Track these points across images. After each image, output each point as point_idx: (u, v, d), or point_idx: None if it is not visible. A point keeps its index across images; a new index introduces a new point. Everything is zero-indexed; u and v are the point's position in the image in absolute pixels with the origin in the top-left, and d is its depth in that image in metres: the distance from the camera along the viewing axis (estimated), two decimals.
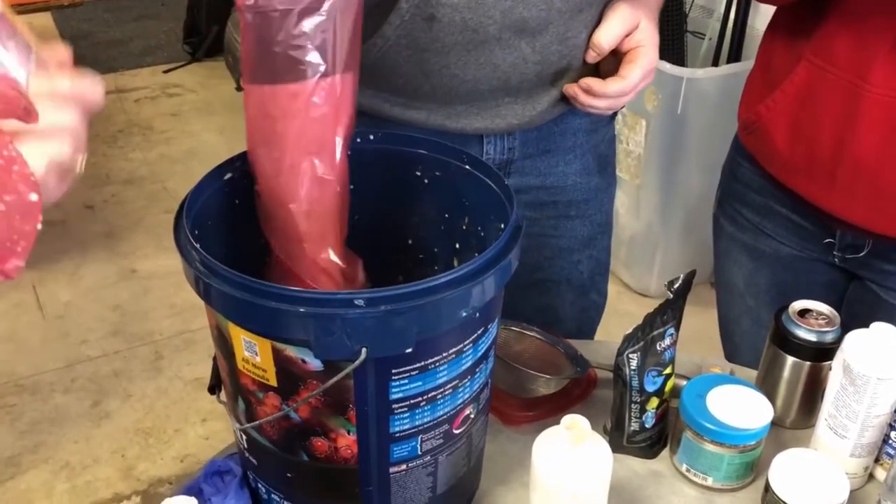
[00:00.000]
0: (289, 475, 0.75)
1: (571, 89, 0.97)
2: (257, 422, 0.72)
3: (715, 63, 2.25)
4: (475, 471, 0.85)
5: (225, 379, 0.76)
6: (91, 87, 0.53)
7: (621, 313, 2.22)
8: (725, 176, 1.16)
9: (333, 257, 0.78)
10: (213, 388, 0.80)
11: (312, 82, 0.71)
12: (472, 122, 0.97)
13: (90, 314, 2.32)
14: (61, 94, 0.52)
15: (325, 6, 0.69)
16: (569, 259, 1.14)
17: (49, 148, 0.51)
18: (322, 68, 0.71)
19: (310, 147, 0.74)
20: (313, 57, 0.71)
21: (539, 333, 0.99)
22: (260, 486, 0.79)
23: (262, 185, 0.77)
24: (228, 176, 0.79)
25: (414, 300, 0.63)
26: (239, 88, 3.44)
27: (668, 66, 1.98)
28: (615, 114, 1.10)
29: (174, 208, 0.73)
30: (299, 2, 0.69)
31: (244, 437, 0.77)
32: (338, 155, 0.76)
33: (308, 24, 0.69)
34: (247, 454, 0.78)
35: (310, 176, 0.75)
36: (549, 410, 0.94)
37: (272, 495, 0.78)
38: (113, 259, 2.50)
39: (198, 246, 0.67)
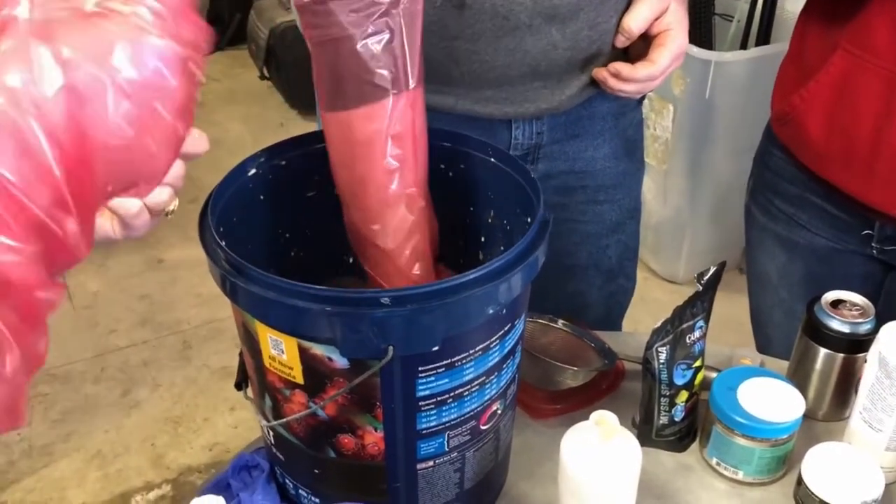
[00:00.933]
0: (316, 471, 0.76)
1: (600, 73, 0.95)
2: (284, 419, 0.72)
3: (743, 46, 2.21)
4: (502, 465, 0.84)
5: (251, 376, 0.76)
6: (197, 141, 0.57)
7: (648, 300, 2.20)
8: (757, 166, 1.14)
9: (428, 269, 0.78)
10: (240, 385, 0.80)
11: (386, 103, 0.70)
12: (501, 107, 0.96)
13: (118, 304, 2.34)
14: None
15: (389, 26, 0.68)
16: (597, 244, 1.13)
17: (149, 196, 0.56)
18: (393, 88, 0.70)
19: (391, 166, 0.73)
20: (383, 78, 0.69)
21: (566, 325, 0.98)
22: (287, 481, 0.80)
23: (348, 206, 0.77)
24: (252, 172, 0.79)
25: (440, 298, 0.63)
26: (262, 77, 3.45)
27: (695, 50, 1.95)
28: (643, 98, 1.09)
29: (199, 198, 0.73)
30: (363, 25, 0.68)
31: (271, 433, 0.77)
32: (418, 169, 0.75)
33: (374, 46, 0.68)
34: (274, 450, 0.79)
35: (394, 194, 0.74)
36: (576, 403, 0.93)
37: (300, 491, 0.79)
38: (139, 249, 2.52)
39: (223, 244, 0.67)
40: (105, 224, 0.57)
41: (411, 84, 0.71)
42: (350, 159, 0.74)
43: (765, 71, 1.54)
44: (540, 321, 0.98)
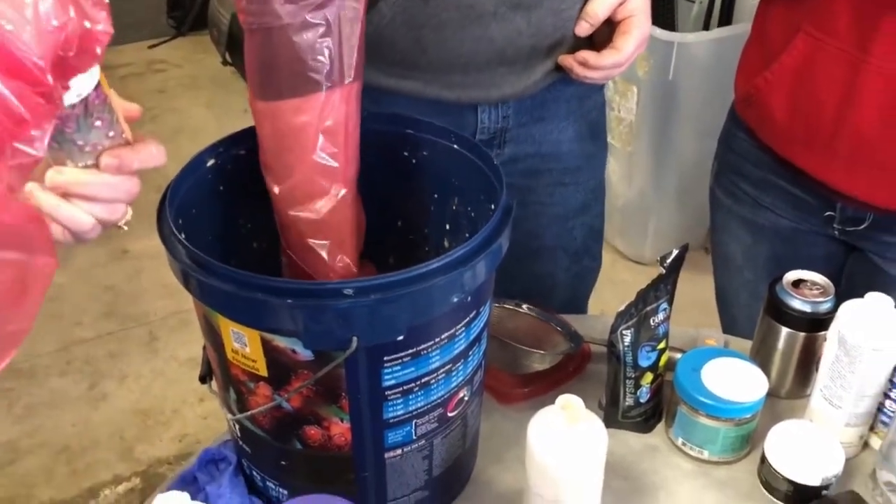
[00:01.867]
0: (283, 463, 0.75)
1: (567, 61, 0.96)
2: (249, 412, 0.71)
3: (706, 27, 2.22)
4: (471, 451, 0.84)
5: (215, 369, 0.75)
6: (154, 157, 0.57)
7: (616, 282, 2.22)
8: (722, 148, 1.14)
9: (349, 262, 0.78)
10: (204, 378, 0.79)
11: (319, 96, 0.70)
12: (467, 92, 0.96)
13: (83, 295, 2.31)
14: (127, 170, 0.56)
15: (327, 19, 0.67)
16: (563, 226, 1.14)
17: (101, 211, 0.56)
18: (327, 82, 0.69)
19: (319, 159, 0.72)
20: (317, 71, 0.69)
21: (532, 310, 0.99)
22: (255, 473, 0.79)
23: (275, 195, 0.76)
24: (211, 162, 0.78)
25: (404, 288, 0.62)
26: (225, 62, 3.40)
27: (658, 31, 1.96)
28: None
29: (164, 187, 0.72)
30: (299, 15, 0.67)
31: (237, 426, 0.76)
32: (348, 164, 0.75)
33: (310, 38, 0.67)
34: (240, 442, 0.78)
35: (320, 187, 0.73)
36: (543, 387, 0.94)
37: (267, 483, 0.78)
38: (103, 240, 2.48)
39: (182, 237, 0.66)
40: (56, 229, 0.56)
41: (347, 79, 0.70)
42: (278, 149, 0.74)
43: (728, 52, 1.55)
44: (506, 306, 0.98)
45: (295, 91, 0.70)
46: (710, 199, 1.19)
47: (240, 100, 3.15)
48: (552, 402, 0.75)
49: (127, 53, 3.55)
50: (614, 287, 2.08)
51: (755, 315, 0.96)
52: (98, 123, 0.53)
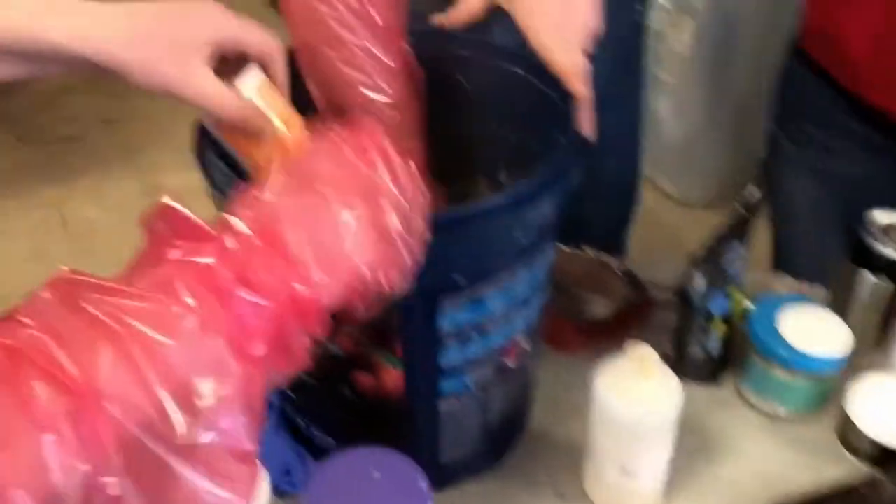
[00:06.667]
0: (331, 411, 0.70)
1: None
2: None
3: None
4: (528, 402, 0.79)
5: None
6: None
7: (663, 224, 2.14)
8: (783, 88, 1.05)
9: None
10: None
11: None
12: None
13: (117, 232, 2.27)
14: None
15: None
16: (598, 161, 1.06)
17: None
18: None
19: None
20: None
21: (593, 253, 0.92)
22: (299, 420, 0.75)
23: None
24: None
25: (464, 226, 0.56)
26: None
27: None
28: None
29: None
30: None
31: None
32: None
33: None
34: (285, 388, 0.73)
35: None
36: (604, 335, 0.88)
37: (312, 430, 0.74)
38: (136, 175, 2.45)
39: (223, 164, 0.61)
40: None
41: None
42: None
43: None
44: (566, 250, 0.92)
45: None
46: (769, 143, 1.09)
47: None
48: (612, 351, 0.69)
49: None
50: (661, 229, 2.00)
51: (821, 268, 0.89)
52: None
